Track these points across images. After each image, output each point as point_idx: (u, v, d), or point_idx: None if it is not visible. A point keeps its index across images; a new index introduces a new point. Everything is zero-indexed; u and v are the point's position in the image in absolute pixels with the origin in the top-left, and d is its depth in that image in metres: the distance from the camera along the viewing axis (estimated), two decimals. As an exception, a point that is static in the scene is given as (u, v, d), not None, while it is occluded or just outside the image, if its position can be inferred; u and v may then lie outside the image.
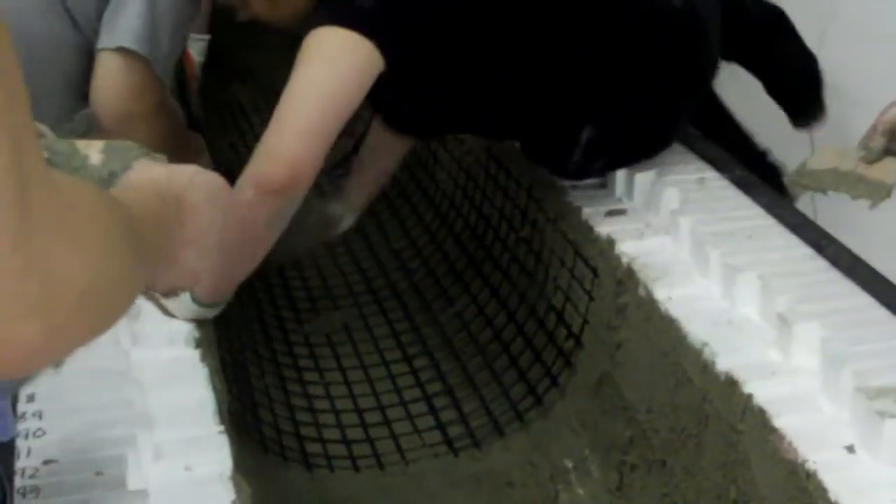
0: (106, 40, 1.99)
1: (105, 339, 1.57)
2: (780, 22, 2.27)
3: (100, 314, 0.70)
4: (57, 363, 1.44)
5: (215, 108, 3.26)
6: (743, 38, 2.21)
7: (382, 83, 1.76)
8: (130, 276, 0.74)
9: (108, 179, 0.96)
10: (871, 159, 1.69)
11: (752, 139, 2.39)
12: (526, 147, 2.15)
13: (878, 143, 1.67)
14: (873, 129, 1.69)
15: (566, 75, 1.91)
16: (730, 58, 2.23)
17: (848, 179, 1.69)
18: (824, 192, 1.73)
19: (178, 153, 2.21)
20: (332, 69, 1.72)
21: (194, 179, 0.96)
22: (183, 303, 1.74)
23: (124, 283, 0.73)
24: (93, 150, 0.96)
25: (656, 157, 2.10)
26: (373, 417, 2.13)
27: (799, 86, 2.28)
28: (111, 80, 2.00)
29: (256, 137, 3.26)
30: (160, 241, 0.87)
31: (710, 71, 2.08)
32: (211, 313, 1.78)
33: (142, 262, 0.78)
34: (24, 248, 0.60)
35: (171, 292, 1.04)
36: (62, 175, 0.67)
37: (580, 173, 2.06)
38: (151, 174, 0.93)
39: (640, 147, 2.06)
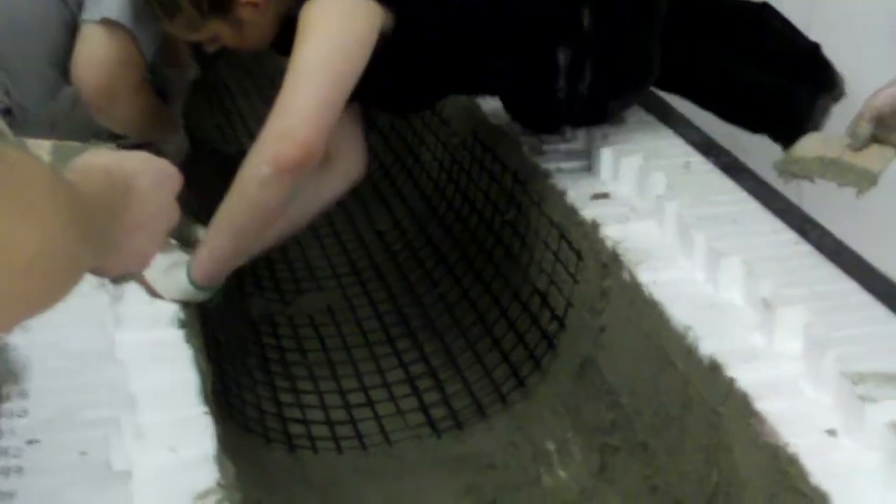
0: (90, 12, 1.98)
1: (89, 321, 1.58)
2: (766, 12, 2.29)
3: (44, 287, 0.71)
4: None
5: (200, 88, 3.24)
6: (729, 30, 2.23)
7: (373, 63, 1.77)
8: (78, 253, 0.75)
9: None
10: (858, 146, 1.68)
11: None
12: (510, 98, 2.16)
13: (865, 129, 1.67)
14: (860, 115, 1.69)
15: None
16: (724, 55, 2.25)
17: (835, 167, 1.69)
18: (811, 179, 1.73)
19: (156, 128, 2.20)
20: (335, 40, 1.75)
21: (143, 165, 0.97)
22: (176, 283, 1.74)
23: (71, 260, 0.73)
24: (42, 151, 0.96)
25: (641, 89, 2.15)
26: (356, 399, 2.13)
27: (800, 69, 2.28)
28: (93, 51, 1.98)
29: (242, 118, 3.30)
30: (110, 223, 0.88)
31: None
32: (202, 296, 1.78)
33: (90, 242, 0.79)
34: None
35: (122, 277, 1.05)
36: (17, 151, 0.68)
37: (570, 105, 2.06)
38: (102, 160, 0.94)
39: (620, 65, 2.06)
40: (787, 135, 2.23)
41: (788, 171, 1.78)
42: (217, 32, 1.91)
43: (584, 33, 1.98)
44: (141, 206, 0.95)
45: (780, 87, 2.28)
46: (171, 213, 1.01)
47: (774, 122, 2.28)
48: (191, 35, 1.95)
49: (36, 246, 0.66)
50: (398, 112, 2.63)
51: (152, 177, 0.97)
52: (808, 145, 1.76)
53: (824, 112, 2.26)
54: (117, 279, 1.07)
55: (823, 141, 1.76)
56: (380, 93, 1.99)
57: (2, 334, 0.70)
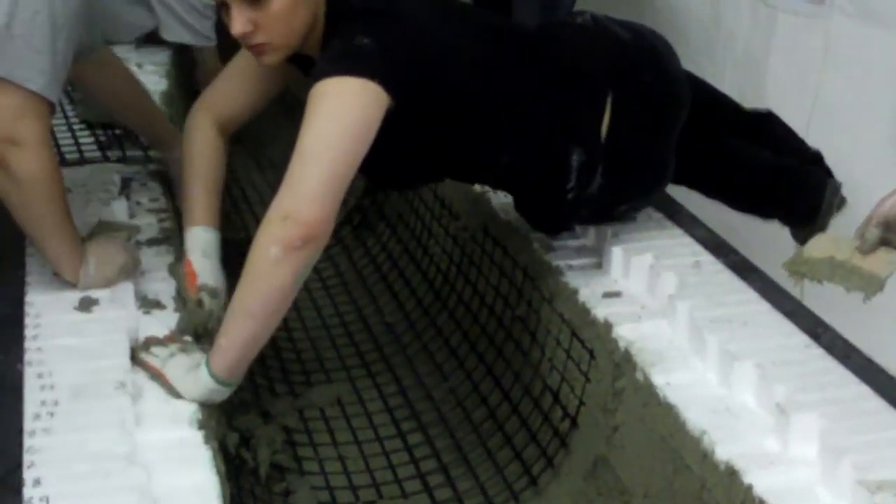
0: None
1: (110, 421, 1.59)
2: (770, 119, 2.34)
3: None
4: None
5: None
6: (736, 127, 2.28)
7: (381, 140, 1.81)
8: None
9: None
10: (866, 250, 1.71)
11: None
12: (518, 194, 2.20)
13: (873, 234, 1.70)
14: (868, 219, 1.72)
15: (546, 104, 2.02)
16: (731, 144, 2.29)
17: (843, 270, 1.72)
18: (820, 281, 1.75)
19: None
20: (341, 122, 1.78)
21: None
22: (198, 382, 1.75)
23: None
24: None
25: (650, 196, 2.19)
26: (367, 495, 2.13)
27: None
28: None
29: (249, 205, 3.33)
30: None
31: (673, 89, 2.15)
32: (222, 394, 1.78)
33: None
34: None
35: None
36: None
37: (578, 206, 2.10)
38: None
39: (631, 173, 2.11)
40: (799, 216, 2.27)
41: (798, 271, 1.81)
42: None
43: (600, 140, 2.03)
44: None
45: (790, 168, 2.31)
46: None
47: (786, 203, 2.31)
48: None
49: None
50: (386, 186, 2.67)
51: None
52: (818, 246, 1.78)
53: (835, 193, 2.29)
54: None
55: (834, 242, 1.78)
56: (372, 166, 2.01)
57: None
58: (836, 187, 2.30)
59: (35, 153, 1.86)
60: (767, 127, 2.33)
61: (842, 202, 2.26)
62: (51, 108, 1.89)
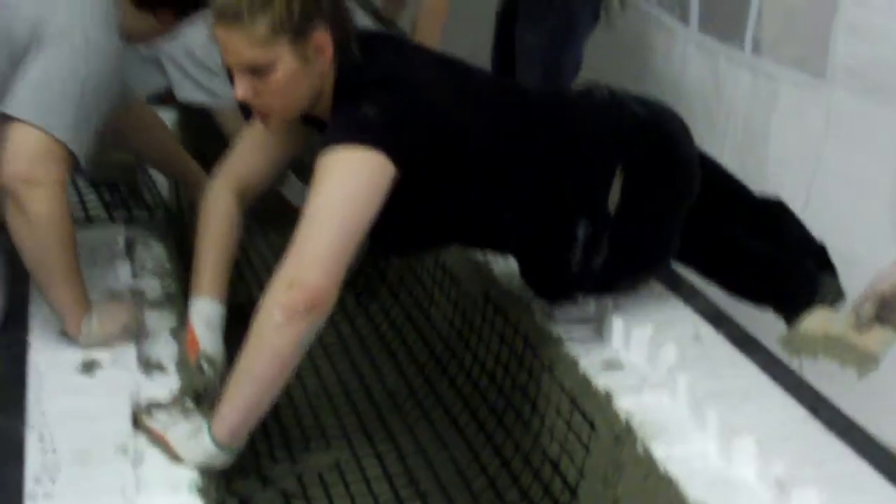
0: (7, 105, 1.93)
1: (111, 486, 1.59)
2: (779, 208, 2.36)
3: None
4: None
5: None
6: (739, 212, 2.30)
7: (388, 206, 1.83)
8: None
9: None
10: (861, 326, 1.73)
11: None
12: (521, 261, 2.21)
13: (868, 310, 1.72)
14: (864, 295, 1.74)
15: (555, 174, 2.05)
16: (731, 228, 2.31)
17: (838, 347, 1.73)
18: (815, 357, 1.76)
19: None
20: (347, 190, 1.81)
21: None
22: (198, 445, 1.75)
23: None
24: None
25: (654, 272, 2.21)
26: (364, 564, 2.12)
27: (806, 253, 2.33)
28: (8, 146, 1.92)
29: (251, 267, 3.34)
30: None
31: (685, 171, 2.18)
32: (224, 459, 1.79)
33: None
34: None
35: None
36: None
37: (582, 277, 2.12)
38: None
39: (637, 248, 2.13)
40: (790, 308, 2.28)
41: (794, 347, 1.82)
42: (278, 59, 1.85)
43: (607, 213, 2.05)
44: None
45: (788, 261, 2.33)
46: None
47: (780, 295, 2.33)
48: (256, 48, 1.84)
49: None
50: (392, 252, 2.69)
51: None
52: (814, 322, 1.80)
53: (829, 290, 2.30)
54: None
55: (829, 318, 1.80)
56: (379, 232, 1.97)
57: None
58: (833, 284, 2.31)
59: (50, 193, 1.92)
60: (774, 215, 2.35)
61: (836, 298, 2.27)
62: (72, 157, 1.93)
